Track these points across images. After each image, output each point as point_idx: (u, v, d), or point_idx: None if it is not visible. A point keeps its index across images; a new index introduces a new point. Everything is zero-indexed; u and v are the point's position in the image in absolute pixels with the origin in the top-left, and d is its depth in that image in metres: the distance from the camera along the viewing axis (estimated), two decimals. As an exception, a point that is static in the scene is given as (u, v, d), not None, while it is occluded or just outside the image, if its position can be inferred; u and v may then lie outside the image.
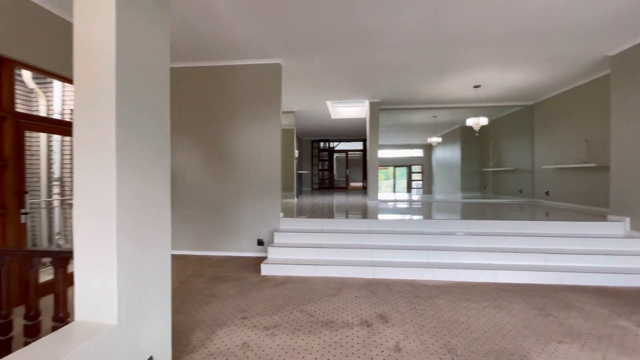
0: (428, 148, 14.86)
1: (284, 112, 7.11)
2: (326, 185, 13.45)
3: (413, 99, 6.57)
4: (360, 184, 15.64)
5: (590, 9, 3.15)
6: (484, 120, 5.42)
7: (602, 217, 4.31)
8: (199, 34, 3.71)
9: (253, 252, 4.36)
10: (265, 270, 3.61)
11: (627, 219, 3.88)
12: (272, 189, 4.41)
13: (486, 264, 3.55)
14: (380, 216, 4.80)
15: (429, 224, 4.20)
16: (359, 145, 14.36)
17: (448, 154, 10.83)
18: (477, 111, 7.23)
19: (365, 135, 12.53)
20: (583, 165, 5.19)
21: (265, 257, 3.90)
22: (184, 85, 4.53)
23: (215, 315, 2.60)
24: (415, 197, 9.83)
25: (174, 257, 4.17)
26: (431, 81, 5.41)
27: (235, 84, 4.48)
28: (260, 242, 4.36)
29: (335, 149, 13.78)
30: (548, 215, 4.90)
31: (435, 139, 8.45)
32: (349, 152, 13.90)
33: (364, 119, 8.69)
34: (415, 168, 16.78)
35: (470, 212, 5.23)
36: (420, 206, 6.39)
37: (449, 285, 3.25)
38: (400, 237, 3.95)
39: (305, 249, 3.86)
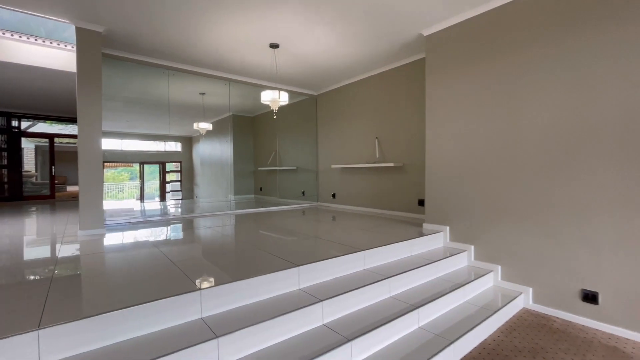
0: (188, 141, 12.10)
1: None
2: (4, 193, 7.52)
3: (175, 48, 3.85)
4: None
5: None
6: (284, 97, 3.72)
7: (411, 224, 3.69)
8: None
9: None
10: None
11: (447, 228, 3.32)
12: None
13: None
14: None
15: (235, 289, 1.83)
16: (75, 129, 9.38)
17: (216, 149, 8.73)
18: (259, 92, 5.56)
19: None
20: (376, 165, 4.65)
21: None
22: None
23: None
24: (173, 207, 7.03)
25: None
26: (211, 15, 3.02)
27: None
28: None
29: (26, 130, 8.05)
30: (335, 219, 3.93)
31: (204, 125, 6.06)
32: (57, 139, 8.62)
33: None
34: (171, 166, 13.40)
35: (256, 231, 3.33)
36: (192, 233, 3.80)
37: None
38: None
39: None
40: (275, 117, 3.97)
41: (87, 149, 3.25)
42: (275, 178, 7.30)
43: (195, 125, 6.10)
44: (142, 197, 11.22)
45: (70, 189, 11.99)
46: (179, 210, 5.89)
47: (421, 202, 4.21)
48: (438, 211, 3.40)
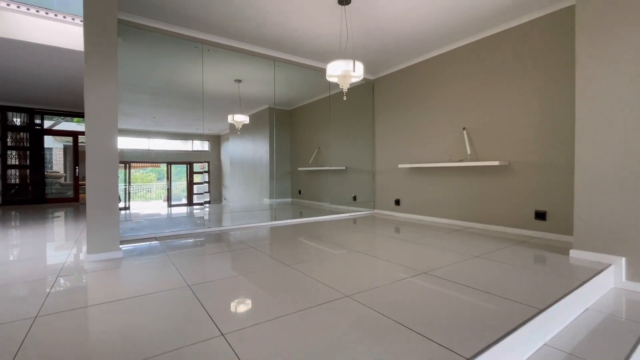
0: (216, 140, 11.40)
1: None
2: (28, 195, 6.98)
3: (210, 10, 2.93)
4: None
5: None
6: (360, 70, 2.69)
7: (534, 246, 2.55)
8: None
9: None
10: None
11: (622, 261, 2.16)
12: None
13: None
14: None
15: None
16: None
17: (248, 148, 7.88)
18: (308, 75, 4.58)
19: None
20: (467, 164, 3.53)
21: None
22: None
23: None
24: (203, 215, 6.26)
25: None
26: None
27: None
28: None
29: (51, 128, 7.53)
30: (399, 231, 2.83)
31: (241, 118, 5.15)
32: (82, 137, 8.04)
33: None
34: (198, 167, 12.74)
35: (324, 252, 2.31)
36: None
37: None
38: None
39: None
40: (345, 97, 2.97)
41: (97, 146, 2.36)
42: (318, 180, 6.31)
43: (230, 118, 5.21)
44: (169, 199, 10.60)
45: (97, 190, 11.59)
46: (211, 220, 5.03)
47: (540, 215, 3.05)
48: (601, 233, 2.25)
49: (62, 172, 12.26)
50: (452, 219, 3.87)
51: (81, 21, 3.88)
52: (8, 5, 3.46)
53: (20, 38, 3.64)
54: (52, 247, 2.90)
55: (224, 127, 9.86)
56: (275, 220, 4.15)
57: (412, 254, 2.53)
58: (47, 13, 3.67)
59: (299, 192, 6.97)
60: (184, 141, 10.94)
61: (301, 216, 6.00)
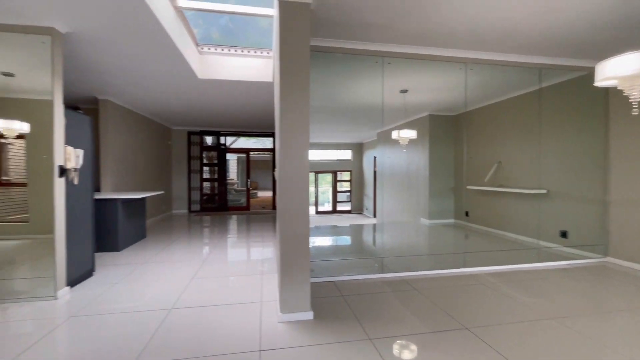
0: (358, 148, 11.24)
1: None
2: (214, 203, 8.41)
3: (400, 16, 2.36)
4: (270, 195, 11.26)
5: None
6: (636, 64, 1.55)
7: None
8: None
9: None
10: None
11: None
12: None
13: None
14: None
15: None
16: (264, 142, 9.88)
17: (400, 158, 7.20)
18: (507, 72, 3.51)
19: (273, 126, 8.08)
20: None
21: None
22: None
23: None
24: (368, 238, 5.97)
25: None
26: None
27: None
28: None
29: (229, 147, 8.87)
30: None
31: (408, 134, 4.50)
32: (252, 152, 9.17)
33: (270, 84, 4.19)
34: (341, 176, 13.05)
35: None
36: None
37: None
38: None
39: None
40: (636, 112, 1.88)
41: (292, 178, 2.12)
42: (498, 202, 5.02)
43: (394, 134, 4.63)
44: (316, 204, 11.02)
45: (260, 194, 13.41)
46: (380, 252, 4.57)
47: None
48: None
49: (235, 179, 14.78)
50: None
51: (262, 53, 4.05)
52: (209, 49, 3.90)
53: (217, 77, 4.06)
54: (241, 283, 2.93)
55: (368, 135, 9.50)
56: (465, 267, 3.28)
57: None
58: (235, 51, 3.96)
59: (466, 213, 5.79)
60: (326, 150, 11.20)
61: (466, 239, 4.94)
